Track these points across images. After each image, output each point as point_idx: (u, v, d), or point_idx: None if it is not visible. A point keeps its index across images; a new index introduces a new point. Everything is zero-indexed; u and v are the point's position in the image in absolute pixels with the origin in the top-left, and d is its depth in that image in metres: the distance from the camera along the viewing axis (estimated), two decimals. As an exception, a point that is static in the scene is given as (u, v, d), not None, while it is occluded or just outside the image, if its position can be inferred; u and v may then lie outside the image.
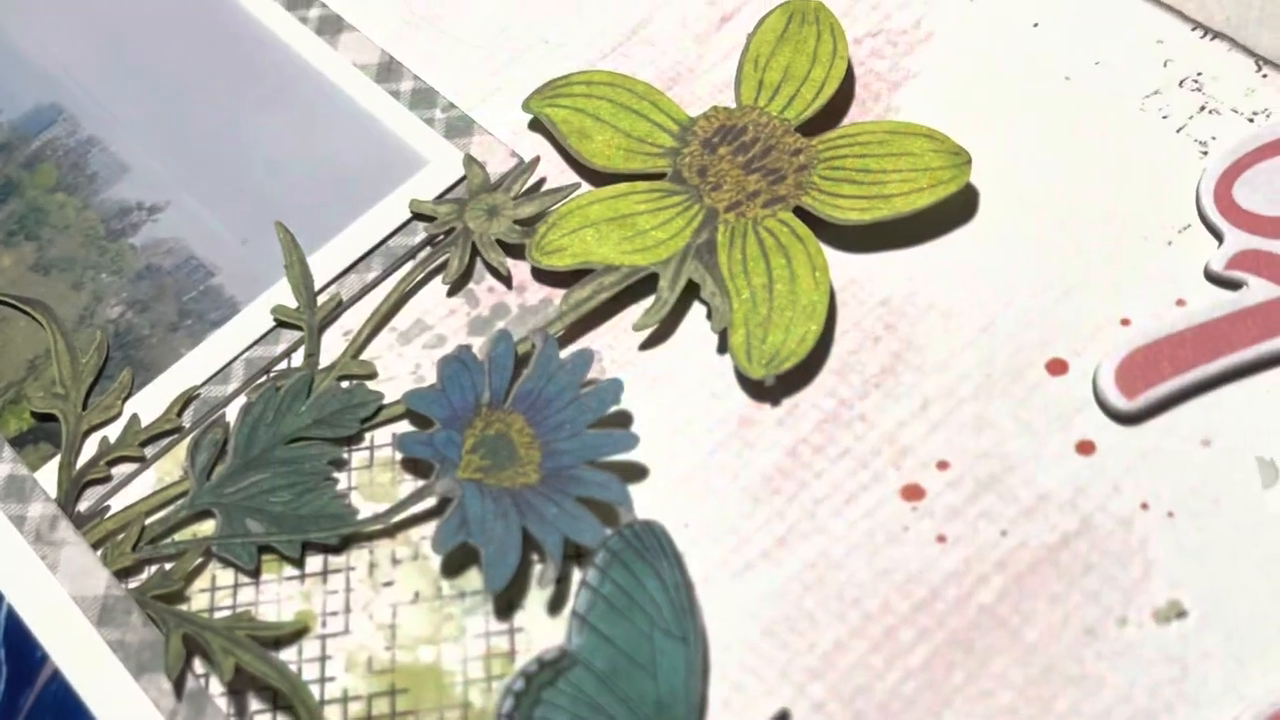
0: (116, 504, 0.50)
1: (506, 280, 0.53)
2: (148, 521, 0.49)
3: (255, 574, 0.48)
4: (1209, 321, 0.47)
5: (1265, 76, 0.53)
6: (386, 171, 0.56)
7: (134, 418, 0.52)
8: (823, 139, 0.53)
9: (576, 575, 0.46)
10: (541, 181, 0.55)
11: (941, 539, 0.46)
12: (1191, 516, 0.45)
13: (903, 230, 0.51)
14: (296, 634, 0.47)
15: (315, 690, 0.46)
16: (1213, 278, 0.49)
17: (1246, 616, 0.43)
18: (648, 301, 0.51)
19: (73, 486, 0.51)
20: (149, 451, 0.51)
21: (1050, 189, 0.52)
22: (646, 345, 0.51)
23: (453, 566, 0.48)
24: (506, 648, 0.46)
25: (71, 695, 0.47)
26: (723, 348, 0.50)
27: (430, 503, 0.48)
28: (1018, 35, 0.55)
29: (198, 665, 0.47)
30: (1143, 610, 0.44)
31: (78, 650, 0.47)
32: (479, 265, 0.53)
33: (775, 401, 0.49)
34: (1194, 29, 0.54)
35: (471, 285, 0.53)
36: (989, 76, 0.55)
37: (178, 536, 0.49)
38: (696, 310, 0.51)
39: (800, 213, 0.51)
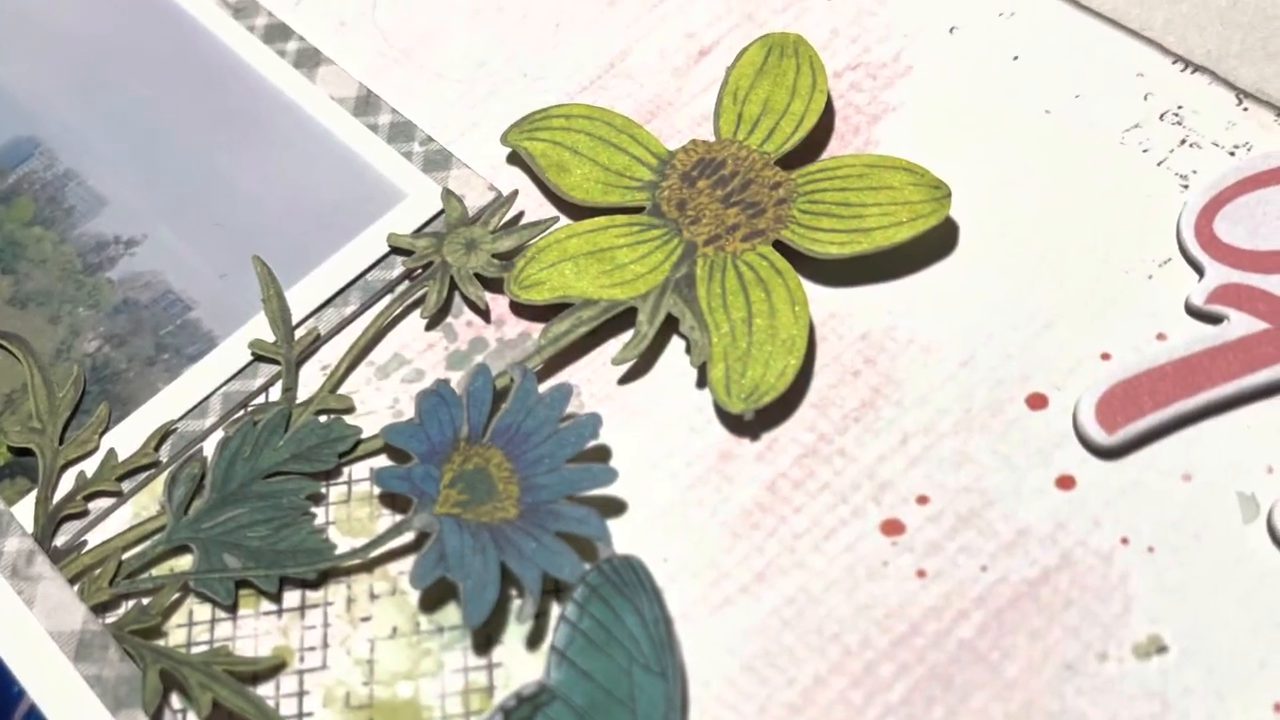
0: (93, 539, 0.50)
1: (485, 314, 0.53)
2: (125, 556, 0.49)
3: (233, 609, 0.48)
4: (1190, 356, 0.47)
5: (1246, 110, 0.53)
6: (364, 205, 0.56)
7: (111, 452, 0.51)
8: (802, 172, 0.53)
9: (555, 610, 0.46)
10: (520, 215, 0.55)
11: (921, 574, 0.46)
12: (1172, 551, 0.45)
13: (882, 264, 0.51)
14: (274, 669, 0.47)
15: (292, 727, 0.46)
16: (1193, 312, 0.49)
17: (1227, 652, 0.43)
18: (626, 335, 0.51)
19: (49, 521, 0.50)
20: (126, 486, 0.51)
21: (1030, 223, 0.52)
22: (625, 379, 0.51)
23: (431, 601, 0.47)
24: (485, 683, 0.46)
25: (48, 731, 0.46)
26: (702, 382, 0.50)
27: (408, 538, 0.48)
28: (997, 68, 0.55)
29: (175, 701, 0.47)
30: (1123, 645, 0.44)
31: (55, 685, 0.47)
32: (457, 299, 0.53)
33: (754, 436, 0.49)
34: (1174, 62, 0.54)
35: (450, 319, 0.53)
36: (969, 110, 0.55)
37: (155, 571, 0.49)
38: (675, 344, 0.51)
39: (779, 246, 0.51)
